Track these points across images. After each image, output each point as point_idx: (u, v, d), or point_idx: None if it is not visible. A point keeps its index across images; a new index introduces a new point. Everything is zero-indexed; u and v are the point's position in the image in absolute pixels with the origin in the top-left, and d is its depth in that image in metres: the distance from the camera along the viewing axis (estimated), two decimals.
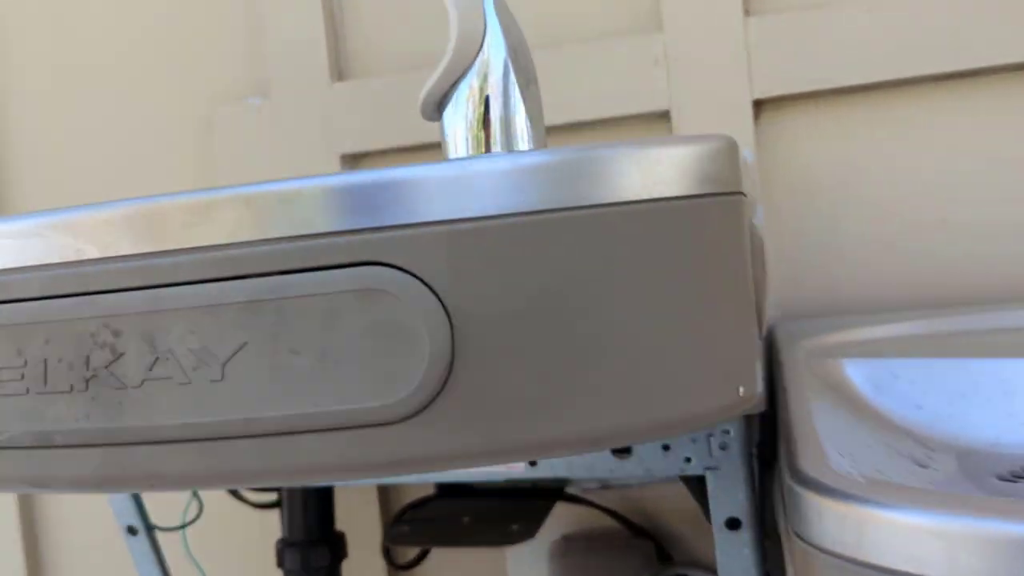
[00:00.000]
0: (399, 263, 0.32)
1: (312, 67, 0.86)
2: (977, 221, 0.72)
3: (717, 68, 0.76)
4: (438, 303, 0.32)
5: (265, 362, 0.32)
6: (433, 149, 0.85)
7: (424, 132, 0.83)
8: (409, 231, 0.32)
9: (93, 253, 0.34)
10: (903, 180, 0.74)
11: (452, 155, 0.37)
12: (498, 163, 0.32)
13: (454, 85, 0.35)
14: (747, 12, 0.75)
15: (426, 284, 0.32)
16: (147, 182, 0.95)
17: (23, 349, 0.35)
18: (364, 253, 0.32)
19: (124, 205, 0.34)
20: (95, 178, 0.96)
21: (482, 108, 0.36)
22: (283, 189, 0.33)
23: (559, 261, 0.32)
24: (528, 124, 0.37)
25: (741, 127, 0.76)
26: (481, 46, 0.35)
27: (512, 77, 0.36)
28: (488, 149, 0.36)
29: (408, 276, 0.32)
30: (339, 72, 0.87)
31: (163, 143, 0.94)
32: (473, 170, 0.32)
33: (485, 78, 0.36)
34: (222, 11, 0.91)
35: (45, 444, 0.35)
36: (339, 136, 0.86)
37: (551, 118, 0.80)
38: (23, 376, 0.35)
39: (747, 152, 0.75)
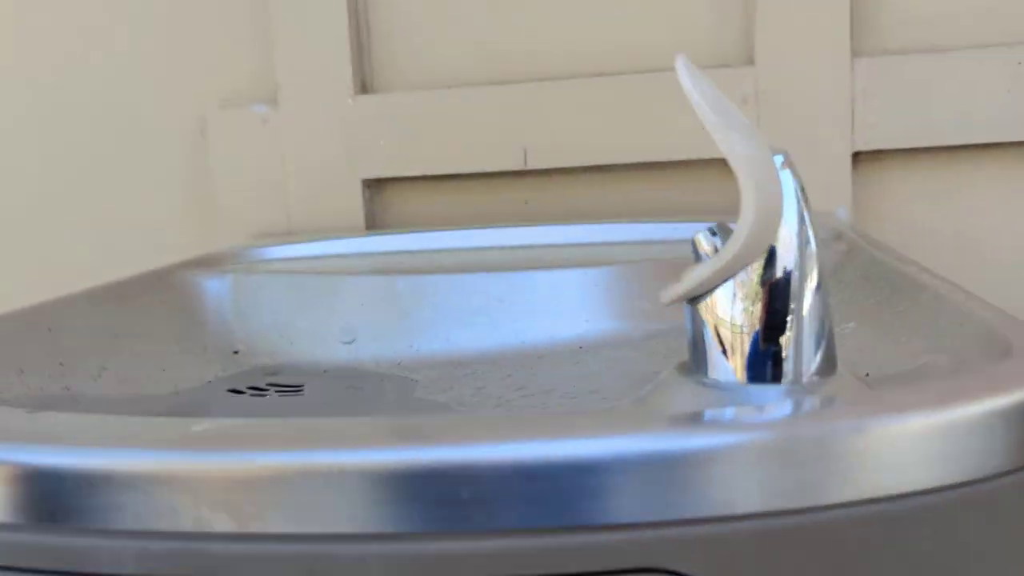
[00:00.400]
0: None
1: (331, 75, 0.73)
2: None
3: (815, 112, 0.66)
4: None
5: None
6: (469, 180, 0.74)
7: (461, 161, 0.72)
8: (721, 527, 0.23)
9: (224, 525, 0.24)
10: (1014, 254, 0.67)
11: (711, 343, 0.27)
12: (843, 427, 0.23)
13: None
14: (855, 52, 0.66)
15: None
16: (124, 192, 0.81)
17: None
18: (646, 556, 0.22)
19: (278, 457, 0.23)
20: (62, 178, 0.82)
21: (762, 263, 0.26)
22: (540, 458, 0.22)
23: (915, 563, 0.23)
24: (819, 295, 0.27)
25: (838, 180, 0.67)
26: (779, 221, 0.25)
27: (809, 232, 0.26)
28: (766, 311, 0.26)
29: None
30: (362, 83, 0.74)
31: (144, 148, 0.80)
32: (812, 436, 0.23)
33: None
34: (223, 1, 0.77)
35: None
36: (362, 158, 0.74)
37: (619, 156, 0.70)
38: None
39: (842, 210, 0.67)
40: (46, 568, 0.25)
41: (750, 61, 0.68)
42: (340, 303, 0.56)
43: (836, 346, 0.26)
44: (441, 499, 0.23)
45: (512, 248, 0.66)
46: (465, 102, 0.72)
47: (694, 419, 0.24)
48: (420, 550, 0.23)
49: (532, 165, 0.71)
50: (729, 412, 0.24)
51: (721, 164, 0.69)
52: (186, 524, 0.24)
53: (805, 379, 0.26)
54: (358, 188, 0.74)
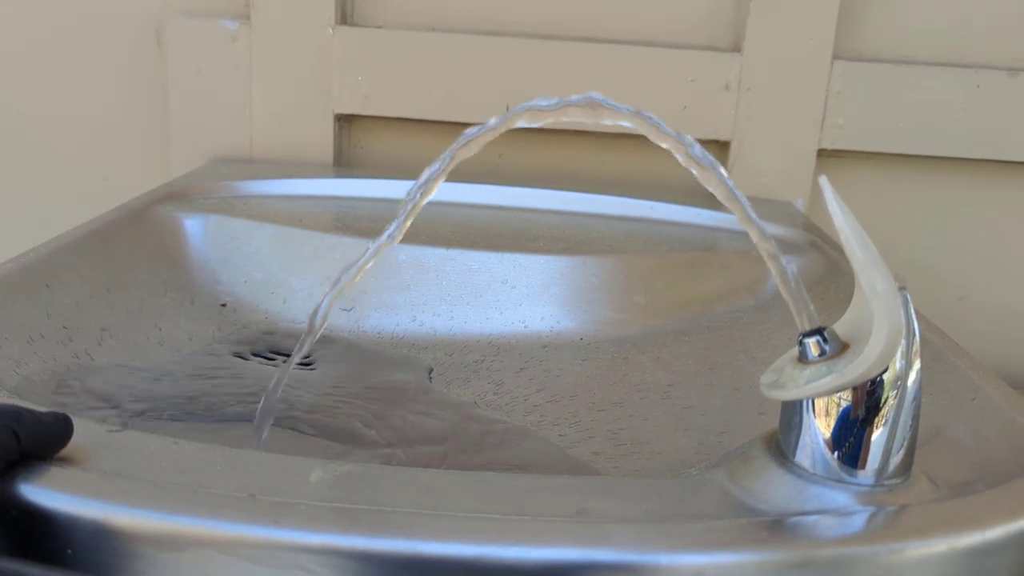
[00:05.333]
0: None
1: (312, 0, 0.69)
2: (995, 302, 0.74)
3: (791, 107, 0.69)
4: None
5: None
6: (445, 127, 0.72)
7: (440, 108, 0.71)
8: None
9: None
10: (943, 253, 0.73)
11: (807, 433, 0.30)
12: None
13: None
14: (836, 54, 0.68)
15: None
16: (65, 101, 0.74)
17: None
18: None
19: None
20: None
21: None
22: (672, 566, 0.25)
23: None
24: (914, 405, 0.30)
25: (800, 173, 0.71)
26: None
27: (916, 351, 0.30)
28: (868, 416, 0.30)
29: None
30: (343, 14, 0.71)
31: (91, 54, 0.74)
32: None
33: None
34: None
35: None
36: (336, 91, 0.71)
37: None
38: None
39: (799, 202, 0.72)
40: None
41: (737, 48, 0.69)
42: (336, 265, 0.56)
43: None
44: None
45: (492, 207, 0.66)
46: (451, 48, 0.70)
47: (806, 530, 0.27)
48: None
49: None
50: (832, 522, 0.27)
51: None
52: None
53: (887, 476, 0.29)
54: (330, 122, 0.72)
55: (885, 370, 0.29)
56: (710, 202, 0.69)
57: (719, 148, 0.71)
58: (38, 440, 0.27)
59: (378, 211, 0.65)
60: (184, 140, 0.72)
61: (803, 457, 0.30)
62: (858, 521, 0.27)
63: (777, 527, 0.27)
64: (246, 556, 0.25)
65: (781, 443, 0.31)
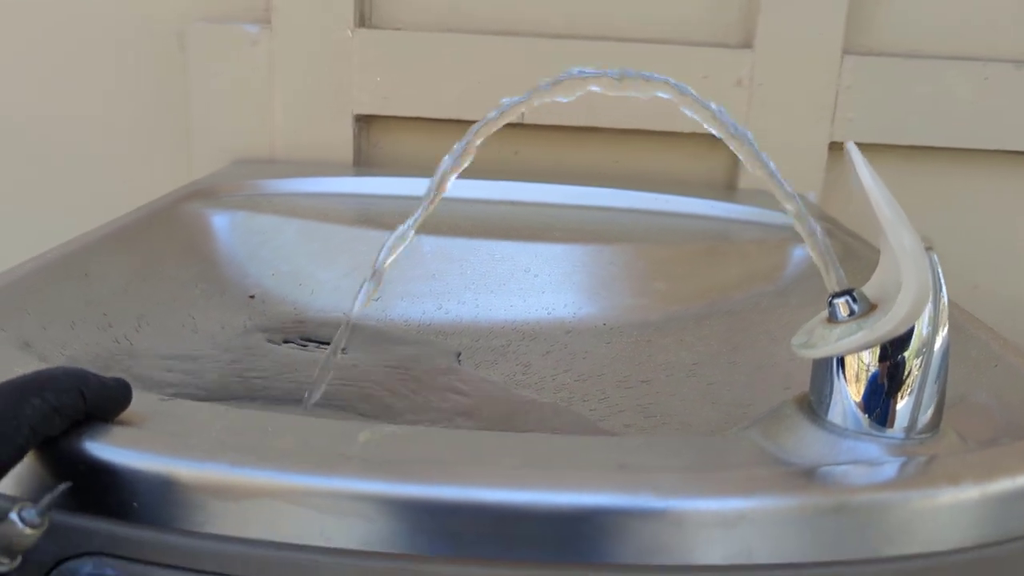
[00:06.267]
0: None
1: (331, 4, 0.71)
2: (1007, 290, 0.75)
3: (802, 101, 0.71)
4: None
5: None
6: (463, 125, 0.74)
7: (458, 107, 0.72)
8: None
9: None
10: (955, 243, 0.74)
11: (839, 391, 0.31)
12: None
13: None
14: (846, 49, 0.70)
15: None
16: (84, 113, 0.76)
17: None
18: None
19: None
20: (18, 85, 0.76)
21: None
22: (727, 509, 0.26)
23: None
24: (943, 363, 0.31)
25: (813, 167, 0.72)
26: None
27: (943, 307, 0.31)
28: (897, 372, 0.30)
29: None
30: (361, 16, 0.72)
31: (115, 58, 0.75)
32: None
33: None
34: None
35: None
36: (355, 92, 0.72)
37: (609, 121, 0.72)
38: None
39: (812, 195, 0.73)
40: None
41: (748, 45, 0.71)
42: (361, 256, 0.57)
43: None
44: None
45: (509, 203, 0.68)
46: (467, 48, 0.71)
47: (841, 476, 0.28)
48: None
49: (529, 119, 0.72)
50: (867, 470, 0.28)
51: (696, 139, 0.72)
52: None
53: (916, 432, 0.30)
54: (349, 122, 0.73)
55: (912, 328, 0.30)
56: (724, 194, 0.71)
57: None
58: (101, 402, 0.28)
59: (400, 207, 0.66)
60: (206, 142, 0.74)
61: (835, 415, 0.31)
62: (891, 469, 0.28)
63: (813, 475, 0.28)
64: (308, 504, 0.26)
65: (813, 403, 0.32)
